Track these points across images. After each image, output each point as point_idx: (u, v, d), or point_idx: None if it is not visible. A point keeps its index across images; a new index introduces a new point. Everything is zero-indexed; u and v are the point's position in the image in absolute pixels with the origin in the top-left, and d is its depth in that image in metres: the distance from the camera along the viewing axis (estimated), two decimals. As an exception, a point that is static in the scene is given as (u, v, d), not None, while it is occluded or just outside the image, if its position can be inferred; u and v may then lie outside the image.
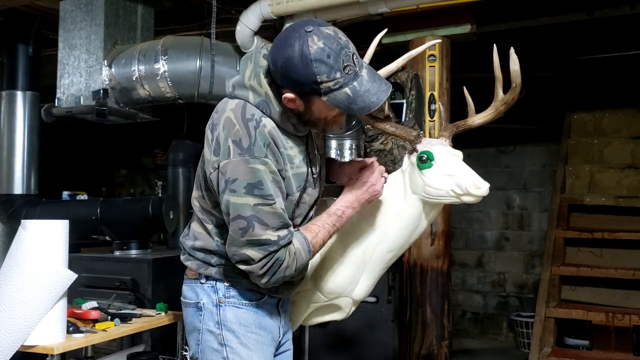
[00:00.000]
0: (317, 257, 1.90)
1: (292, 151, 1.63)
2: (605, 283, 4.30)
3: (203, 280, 1.70)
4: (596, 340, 4.16)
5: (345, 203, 1.72)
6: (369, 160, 1.82)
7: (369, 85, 1.52)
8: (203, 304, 1.69)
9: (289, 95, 1.54)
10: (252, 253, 1.52)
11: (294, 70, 1.48)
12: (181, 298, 1.78)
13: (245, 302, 1.68)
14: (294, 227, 1.65)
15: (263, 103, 1.58)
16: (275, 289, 1.71)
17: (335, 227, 1.70)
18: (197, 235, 1.71)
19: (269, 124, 1.57)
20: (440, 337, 3.43)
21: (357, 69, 1.52)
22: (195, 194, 1.72)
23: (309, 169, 1.68)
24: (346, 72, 1.49)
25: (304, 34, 1.48)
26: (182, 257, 1.77)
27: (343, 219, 1.71)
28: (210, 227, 1.68)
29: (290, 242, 1.56)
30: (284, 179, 1.60)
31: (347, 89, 1.50)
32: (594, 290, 4.34)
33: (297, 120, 1.62)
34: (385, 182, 1.77)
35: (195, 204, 1.72)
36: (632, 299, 4.17)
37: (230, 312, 1.67)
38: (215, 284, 1.68)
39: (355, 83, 1.50)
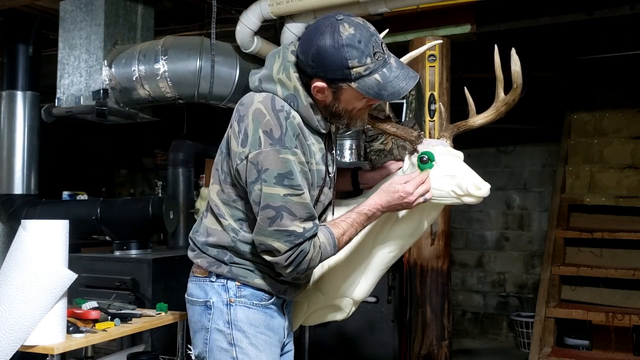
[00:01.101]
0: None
1: (314, 147, 1.65)
2: (605, 283, 4.30)
3: (213, 279, 1.69)
4: (596, 340, 4.16)
5: (376, 205, 1.68)
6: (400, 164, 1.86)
7: (398, 72, 1.55)
8: (213, 302, 1.68)
9: (319, 84, 1.56)
10: (278, 245, 1.52)
11: (325, 56, 1.51)
12: (186, 296, 1.76)
13: (255, 302, 1.68)
14: None
15: (291, 97, 1.59)
16: (284, 290, 1.72)
17: (363, 226, 1.69)
18: (210, 231, 1.70)
19: (297, 117, 1.59)
20: (440, 337, 3.43)
21: (386, 56, 1.56)
22: (213, 188, 1.71)
23: (326, 167, 1.70)
24: (376, 58, 1.53)
25: (335, 22, 1.52)
26: (191, 254, 1.76)
27: (372, 219, 1.70)
28: (226, 222, 1.66)
29: (315, 235, 1.57)
30: (309, 171, 1.61)
31: (377, 75, 1.53)
32: (594, 290, 4.34)
33: (322, 116, 1.64)
34: (422, 198, 1.69)
35: (212, 197, 1.70)
36: (632, 299, 4.17)
37: (241, 311, 1.67)
38: (227, 283, 1.67)
39: (384, 69, 1.54)
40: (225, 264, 1.67)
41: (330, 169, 1.73)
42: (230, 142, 1.61)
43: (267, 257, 1.57)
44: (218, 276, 1.68)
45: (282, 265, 1.55)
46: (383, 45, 1.56)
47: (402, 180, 1.69)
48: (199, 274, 1.73)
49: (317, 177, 1.66)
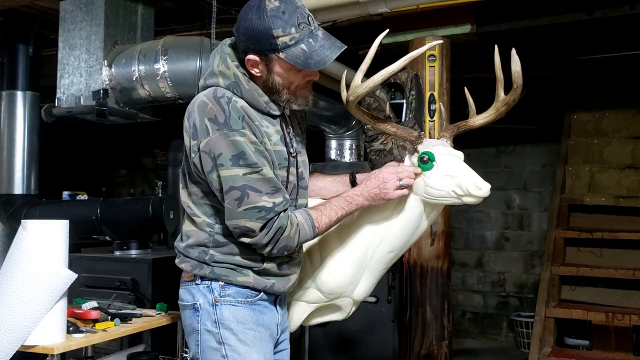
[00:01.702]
0: (317, 257, 1.90)
1: (269, 129, 1.68)
2: (605, 283, 4.30)
3: (198, 282, 1.72)
4: (596, 340, 4.16)
5: (356, 191, 1.75)
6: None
7: (324, 42, 1.61)
8: (200, 304, 1.70)
9: (251, 57, 1.63)
10: (252, 224, 1.56)
11: (253, 29, 1.59)
12: (178, 301, 1.79)
13: (241, 299, 1.70)
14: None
15: (233, 84, 1.65)
16: (270, 285, 1.72)
17: (344, 211, 1.73)
18: (188, 233, 1.74)
19: (240, 101, 1.63)
20: (440, 337, 3.43)
21: (312, 28, 1.61)
22: (182, 193, 1.76)
23: (287, 149, 1.72)
24: (301, 28, 1.59)
25: None
26: (176, 261, 1.79)
27: (352, 205, 1.74)
28: (200, 220, 1.70)
29: (286, 209, 1.61)
30: (267, 151, 1.64)
31: (303, 45, 1.59)
32: (593, 290, 4.35)
33: (268, 97, 1.68)
34: (400, 186, 1.75)
35: (183, 201, 1.75)
36: (632, 299, 4.17)
37: (227, 310, 1.69)
38: (210, 284, 1.70)
39: (310, 40, 1.60)
40: (207, 264, 1.70)
41: (291, 149, 1.74)
42: (185, 140, 1.65)
43: (246, 240, 1.60)
44: (202, 278, 1.71)
45: (261, 244, 1.59)
46: (310, 18, 1.62)
47: (382, 169, 1.77)
48: (186, 279, 1.76)
49: (278, 157, 1.68)
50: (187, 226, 1.75)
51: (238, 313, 1.69)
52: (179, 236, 1.81)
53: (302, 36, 1.58)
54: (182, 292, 1.78)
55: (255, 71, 1.65)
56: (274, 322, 1.77)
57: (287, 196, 1.64)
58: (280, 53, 1.59)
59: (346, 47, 1.65)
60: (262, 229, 1.57)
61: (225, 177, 1.56)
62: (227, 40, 1.71)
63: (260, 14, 1.57)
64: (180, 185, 1.76)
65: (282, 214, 1.59)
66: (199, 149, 1.59)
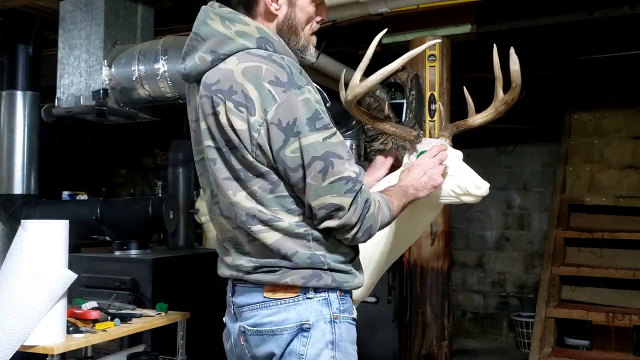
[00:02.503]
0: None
1: None
2: (605, 283, 4.30)
3: (310, 295, 1.38)
4: (596, 340, 4.16)
5: (404, 184, 1.57)
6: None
7: None
8: (312, 323, 1.36)
9: None
10: (340, 200, 1.29)
11: None
12: (257, 328, 1.40)
13: (353, 316, 1.46)
14: None
15: (262, 40, 1.38)
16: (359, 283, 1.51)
17: (402, 203, 1.49)
18: (277, 245, 1.37)
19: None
20: (440, 337, 3.43)
21: None
22: (239, 199, 1.38)
23: None
24: None
25: None
26: (269, 277, 1.39)
27: (409, 196, 1.53)
28: (284, 224, 1.36)
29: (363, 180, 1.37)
30: None
31: None
32: (594, 290, 4.35)
33: (296, 45, 1.50)
34: (444, 170, 1.64)
35: (247, 208, 1.37)
36: (632, 299, 4.17)
37: (345, 328, 1.41)
38: (328, 295, 1.39)
39: None
40: (325, 270, 1.38)
41: None
42: (231, 127, 1.33)
43: (332, 223, 1.31)
44: (316, 290, 1.38)
45: (350, 225, 1.32)
46: None
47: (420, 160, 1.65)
48: (284, 295, 1.38)
49: None
50: (268, 238, 1.36)
51: (352, 332, 1.43)
52: (248, 258, 1.42)
53: None
54: (273, 313, 1.38)
55: (274, 7, 1.43)
56: None
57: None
58: None
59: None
60: (351, 204, 1.30)
61: (305, 147, 1.28)
62: (214, 3, 1.45)
63: None
64: (231, 193, 1.38)
65: (363, 185, 1.33)
66: (265, 121, 1.29)
